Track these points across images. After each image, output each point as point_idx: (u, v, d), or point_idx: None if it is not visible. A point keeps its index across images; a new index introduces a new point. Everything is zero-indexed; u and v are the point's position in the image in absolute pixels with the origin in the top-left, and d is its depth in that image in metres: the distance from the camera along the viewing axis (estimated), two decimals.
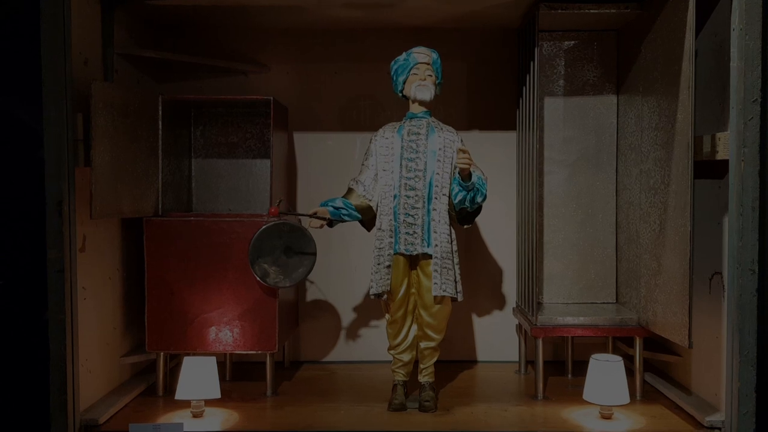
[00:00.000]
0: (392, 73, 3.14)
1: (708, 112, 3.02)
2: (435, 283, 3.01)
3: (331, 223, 3.12)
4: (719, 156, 2.82)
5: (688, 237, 2.71)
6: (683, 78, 2.76)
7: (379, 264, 3.07)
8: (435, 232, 3.03)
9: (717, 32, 2.93)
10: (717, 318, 2.93)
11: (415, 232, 3.03)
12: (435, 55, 3.11)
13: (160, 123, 3.32)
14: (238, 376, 3.59)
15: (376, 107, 3.87)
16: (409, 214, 3.04)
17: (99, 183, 2.85)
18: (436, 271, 3.01)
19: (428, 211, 3.04)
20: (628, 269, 3.49)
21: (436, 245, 3.02)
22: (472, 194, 2.98)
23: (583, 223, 3.70)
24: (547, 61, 3.68)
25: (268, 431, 2.85)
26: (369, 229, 3.23)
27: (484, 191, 3.00)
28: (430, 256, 3.03)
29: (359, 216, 3.14)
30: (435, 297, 3.03)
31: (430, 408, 3.03)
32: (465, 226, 3.17)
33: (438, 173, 3.03)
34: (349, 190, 3.15)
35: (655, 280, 3.07)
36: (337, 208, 3.10)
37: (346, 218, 3.13)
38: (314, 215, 3.09)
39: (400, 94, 3.16)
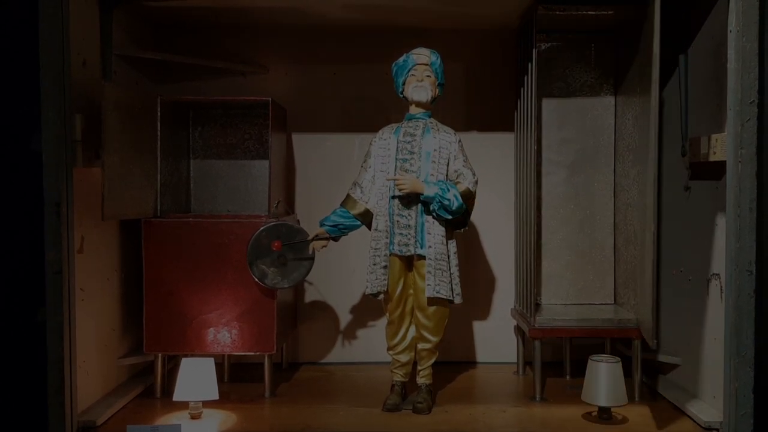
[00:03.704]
0: (393, 75, 3.15)
1: (705, 114, 3.03)
2: (428, 285, 3.01)
3: (335, 239, 3.17)
4: (716, 157, 2.82)
5: (653, 238, 2.77)
6: (652, 81, 2.79)
7: (375, 264, 3.07)
8: (429, 234, 3.03)
9: (714, 34, 2.94)
10: (715, 319, 2.93)
11: (409, 233, 3.03)
12: (435, 56, 3.10)
13: (158, 124, 3.33)
14: (237, 378, 3.59)
15: (375, 108, 3.86)
16: (402, 215, 3.04)
17: (110, 184, 2.89)
18: (429, 272, 3.01)
19: (422, 212, 3.04)
20: (626, 270, 3.50)
21: (430, 246, 3.02)
22: (435, 206, 2.96)
23: (582, 224, 3.70)
24: (545, 63, 3.68)
25: None
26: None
27: (451, 206, 2.94)
28: (424, 258, 3.03)
29: (359, 223, 3.15)
30: (429, 298, 3.03)
31: (423, 410, 3.02)
32: (461, 230, 3.16)
33: (432, 174, 3.03)
34: (347, 197, 3.16)
35: (641, 281, 3.08)
36: (334, 225, 3.13)
37: (346, 231, 3.16)
38: (315, 238, 3.13)
39: (401, 96, 3.16)
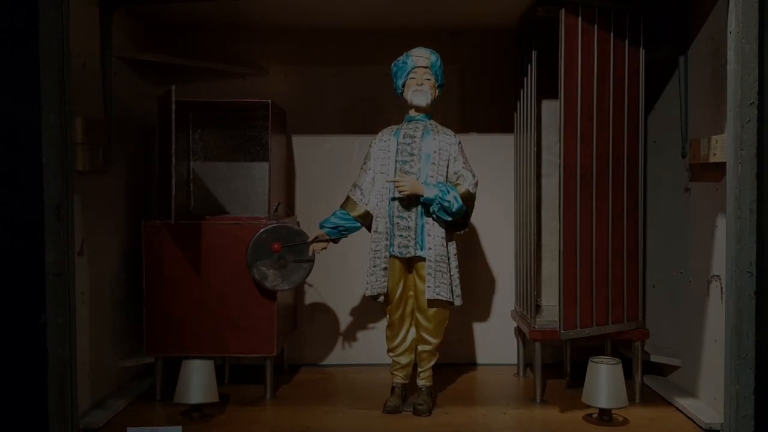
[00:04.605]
0: (393, 75, 3.15)
1: (705, 115, 3.03)
2: (428, 286, 3.01)
3: (335, 241, 3.18)
4: (716, 159, 2.82)
5: (560, 234, 3.00)
6: (559, 90, 2.92)
7: (375, 266, 3.07)
8: (429, 235, 3.02)
9: (714, 35, 2.94)
10: (715, 320, 2.93)
11: (408, 235, 3.03)
12: (435, 57, 3.10)
13: (157, 126, 3.32)
14: (237, 380, 3.59)
15: (375, 109, 3.87)
16: (402, 217, 3.04)
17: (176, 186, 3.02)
18: (429, 274, 3.01)
19: (422, 214, 3.04)
20: None
21: (430, 248, 3.01)
22: (435, 208, 2.96)
23: None
24: (544, 64, 3.67)
25: None
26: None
27: (451, 208, 2.94)
28: (424, 259, 3.03)
29: (359, 225, 3.14)
30: (429, 300, 3.03)
31: (423, 411, 3.02)
32: (461, 232, 3.16)
33: (432, 176, 3.03)
34: (347, 199, 3.16)
35: None
36: (334, 227, 3.13)
37: (346, 233, 3.16)
38: (315, 240, 3.13)
39: (401, 96, 3.16)
